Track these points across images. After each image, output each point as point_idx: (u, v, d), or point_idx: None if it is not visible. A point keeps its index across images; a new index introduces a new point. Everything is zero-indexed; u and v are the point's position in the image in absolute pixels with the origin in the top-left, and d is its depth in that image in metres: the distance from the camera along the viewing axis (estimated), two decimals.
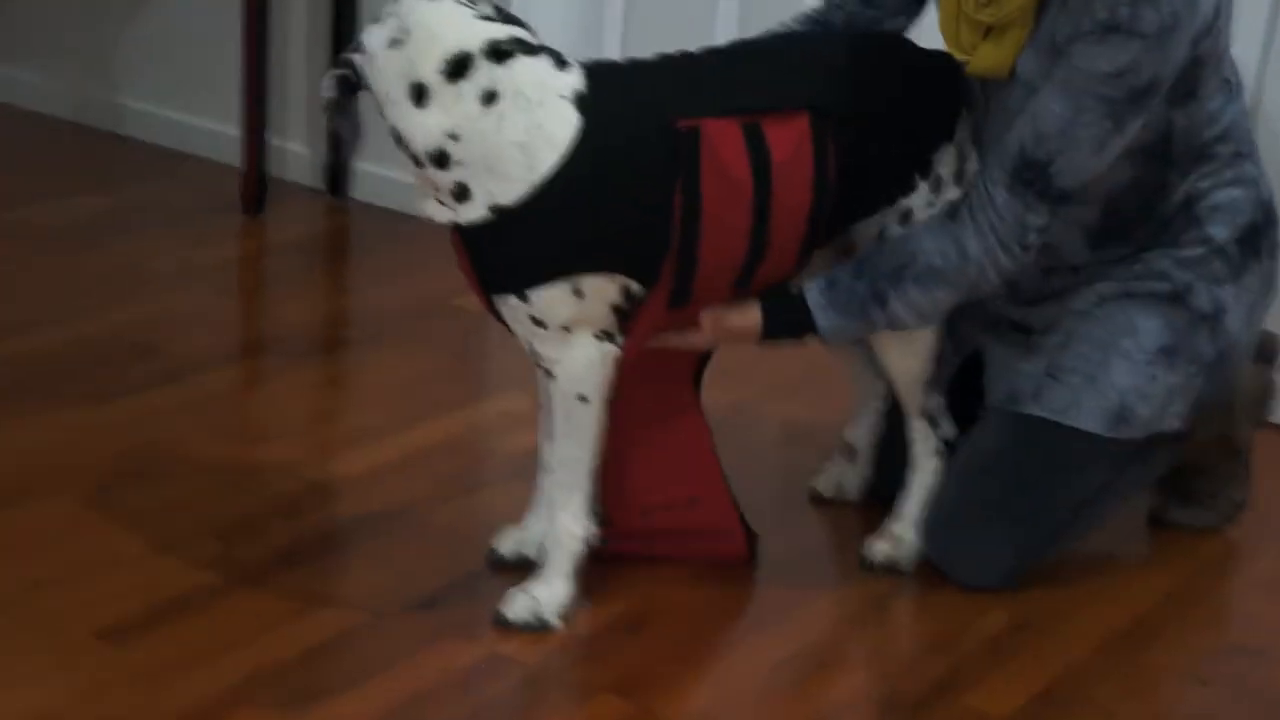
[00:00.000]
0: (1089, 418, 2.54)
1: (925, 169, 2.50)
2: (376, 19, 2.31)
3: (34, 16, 4.64)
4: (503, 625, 2.42)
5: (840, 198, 2.44)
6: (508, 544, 2.59)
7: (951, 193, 2.51)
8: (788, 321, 2.49)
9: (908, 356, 2.60)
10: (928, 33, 2.58)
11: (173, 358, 3.25)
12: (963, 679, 2.40)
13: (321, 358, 3.38)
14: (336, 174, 4.18)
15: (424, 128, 2.27)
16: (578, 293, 2.31)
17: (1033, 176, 2.39)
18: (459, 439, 3.03)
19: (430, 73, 2.26)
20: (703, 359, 2.59)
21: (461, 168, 2.28)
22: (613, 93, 2.33)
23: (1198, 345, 2.55)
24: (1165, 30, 2.31)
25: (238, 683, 2.28)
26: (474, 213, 2.29)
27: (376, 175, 4.10)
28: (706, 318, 2.46)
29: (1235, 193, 2.56)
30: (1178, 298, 2.55)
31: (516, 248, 2.30)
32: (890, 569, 2.65)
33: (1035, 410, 2.56)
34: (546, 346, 2.36)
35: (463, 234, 2.33)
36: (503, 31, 2.30)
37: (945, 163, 2.52)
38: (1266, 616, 2.64)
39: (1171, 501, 2.86)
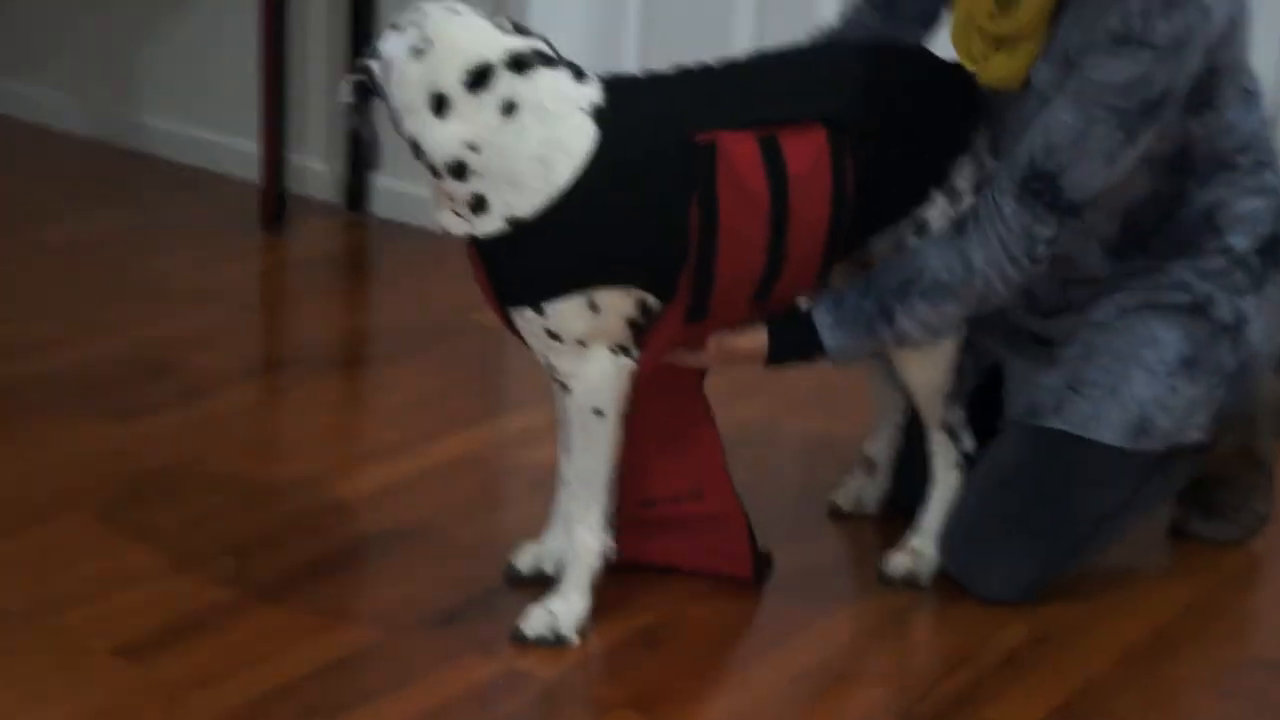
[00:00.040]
0: (1110, 430, 2.53)
1: (942, 180, 2.50)
2: (396, 27, 2.31)
3: (55, 35, 4.66)
4: (520, 641, 2.42)
5: (858, 210, 2.43)
6: (526, 560, 2.58)
7: (969, 204, 2.50)
8: (794, 342, 2.48)
9: (928, 369, 2.59)
10: (943, 44, 2.57)
11: (192, 374, 3.25)
12: (982, 693, 2.39)
13: (340, 373, 3.39)
14: (355, 190, 4.19)
15: (443, 138, 2.27)
16: (593, 306, 2.31)
17: (1042, 187, 2.38)
18: (478, 454, 3.03)
19: (452, 83, 2.26)
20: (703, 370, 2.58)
21: (479, 179, 2.28)
22: (630, 106, 2.33)
23: (1219, 356, 2.54)
24: (1178, 41, 2.30)
25: (255, 699, 2.28)
26: (490, 225, 2.29)
27: (395, 191, 4.11)
28: (713, 343, 2.46)
29: (1256, 202, 2.55)
30: (1199, 309, 2.54)
31: (532, 260, 2.29)
32: (909, 583, 2.64)
33: (1056, 423, 2.55)
34: (562, 360, 2.36)
35: (479, 246, 2.33)
36: (523, 43, 2.30)
37: (963, 174, 2.51)
38: None
39: (1193, 514, 2.84)
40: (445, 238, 2.37)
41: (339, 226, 4.15)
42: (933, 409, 2.63)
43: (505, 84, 2.27)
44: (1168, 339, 2.53)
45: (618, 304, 2.32)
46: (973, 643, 2.51)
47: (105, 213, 4.13)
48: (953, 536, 2.62)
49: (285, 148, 4.07)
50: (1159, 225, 2.54)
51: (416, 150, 2.30)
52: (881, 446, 2.83)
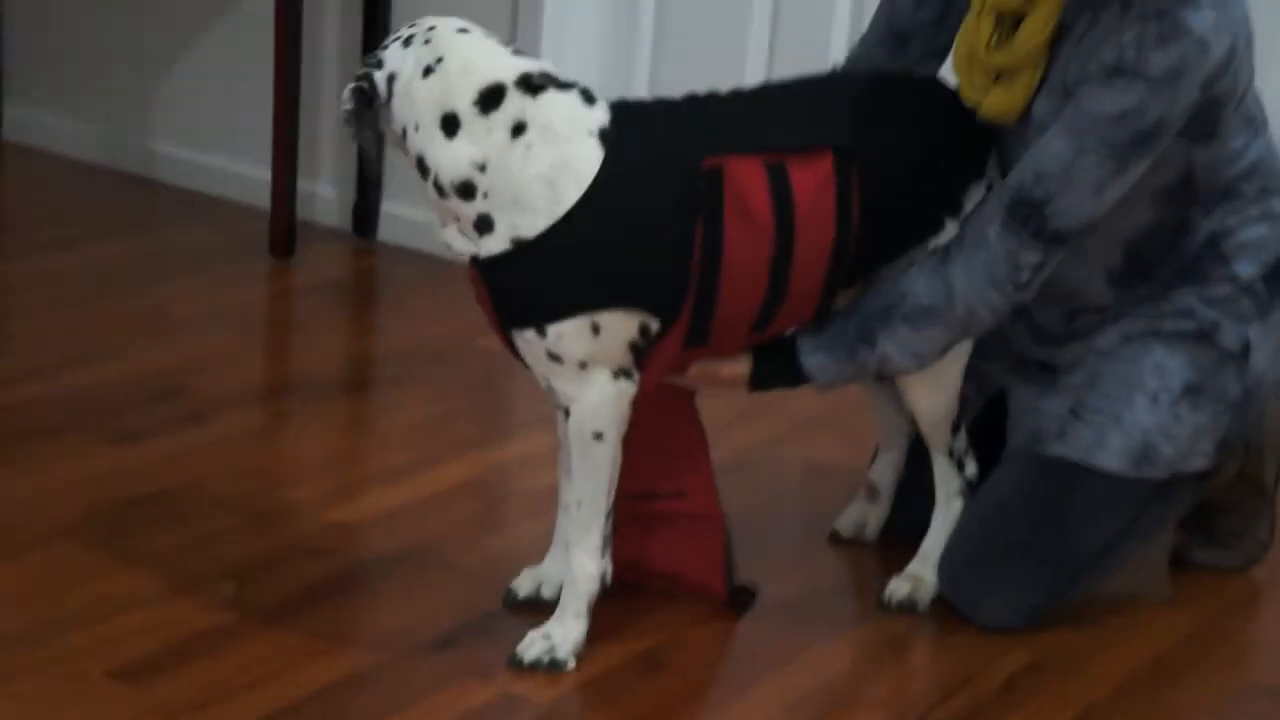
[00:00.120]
0: (1112, 457, 2.52)
1: (955, 208, 2.50)
2: (401, 38, 2.31)
3: (66, 63, 4.68)
4: (517, 666, 2.42)
5: (865, 239, 2.43)
6: (526, 585, 2.58)
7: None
8: (776, 366, 2.48)
9: (933, 394, 2.59)
10: (951, 75, 2.58)
11: (195, 399, 3.26)
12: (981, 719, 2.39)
13: (345, 398, 3.39)
14: (364, 216, 4.20)
15: (452, 158, 2.28)
16: (595, 329, 2.31)
17: (1028, 214, 2.37)
18: (479, 479, 3.03)
19: (464, 104, 2.27)
20: None
21: (486, 199, 2.28)
22: (638, 130, 2.33)
23: (1224, 383, 2.53)
24: (1173, 74, 2.30)
25: None
26: (495, 245, 2.30)
27: (404, 217, 4.12)
28: (695, 368, 2.46)
29: (1262, 230, 2.55)
30: (1204, 336, 2.53)
31: (536, 281, 2.29)
32: (907, 608, 2.63)
33: (1059, 450, 2.55)
34: (563, 383, 2.36)
35: (481, 267, 2.33)
36: (534, 65, 2.31)
37: (975, 201, 2.51)
38: None
39: (1195, 541, 2.84)
40: (451, 264, 2.38)
41: (347, 252, 4.16)
42: (937, 435, 2.63)
43: (516, 105, 2.27)
44: (1172, 366, 2.53)
45: (619, 327, 2.32)
46: (972, 669, 2.51)
47: (116, 239, 4.14)
48: (953, 563, 2.61)
49: (296, 174, 4.08)
50: (1164, 254, 2.54)
51: (422, 168, 2.31)
52: (885, 472, 2.83)
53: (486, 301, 2.37)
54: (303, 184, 4.19)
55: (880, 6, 2.66)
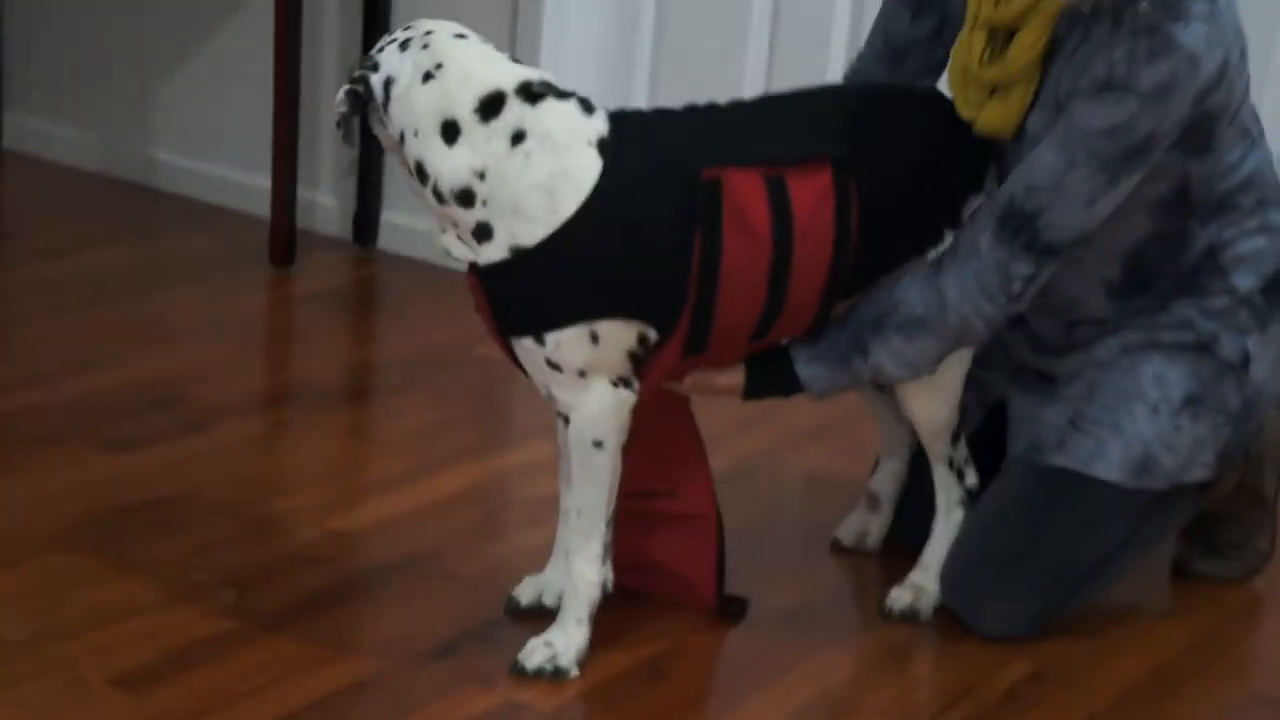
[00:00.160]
0: (1112, 468, 2.52)
1: (954, 220, 2.50)
2: (397, 42, 2.31)
3: (66, 71, 4.68)
4: (519, 673, 2.41)
5: (864, 251, 2.43)
6: (527, 592, 2.58)
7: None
8: (770, 375, 2.48)
9: (933, 404, 2.59)
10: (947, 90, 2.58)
11: (195, 407, 3.26)
12: None
13: (345, 407, 3.39)
14: (364, 225, 4.20)
15: (452, 165, 2.27)
16: (594, 338, 2.31)
17: (1020, 226, 2.38)
18: (481, 487, 3.03)
19: (465, 111, 2.26)
20: None
21: (485, 207, 2.28)
22: (637, 139, 2.33)
23: (1224, 395, 2.54)
24: (1163, 89, 2.30)
25: None
26: (494, 253, 2.29)
27: (404, 226, 4.13)
28: (690, 379, 2.46)
29: (1260, 242, 2.55)
30: (1203, 347, 2.53)
31: (535, 290, 2.29)
32: (910, 618, 2.63)
33: (1059, 460, 2.55)
34: (563, 391, 2.36)
35: (480, 274, 2.33)
36: (534, 74, 2.31)
37: None
38: None
39: (1195, 551, 2.83)
40: (451, 273, 2.38)
41: (347, 261, 4.16)
42: (937, 445, 2.63)
43: (515, 113, 2.27)
44: (1172, 377, 2.53)
45: (618, 336, 2.32)
46: (973, 679, 2.51)
47: (115, 246, 4.14)
48: (954, 572, 2.61)
49: (296, 183, 4.08)
50: (1162, 266, 2.54)
51: (421, 174, 2.30)
52: (886, 482, 2.83)
53: (485, 309, 2.37)
54: (303, 192, 4.19)
55: (877, 23, 2.66)
